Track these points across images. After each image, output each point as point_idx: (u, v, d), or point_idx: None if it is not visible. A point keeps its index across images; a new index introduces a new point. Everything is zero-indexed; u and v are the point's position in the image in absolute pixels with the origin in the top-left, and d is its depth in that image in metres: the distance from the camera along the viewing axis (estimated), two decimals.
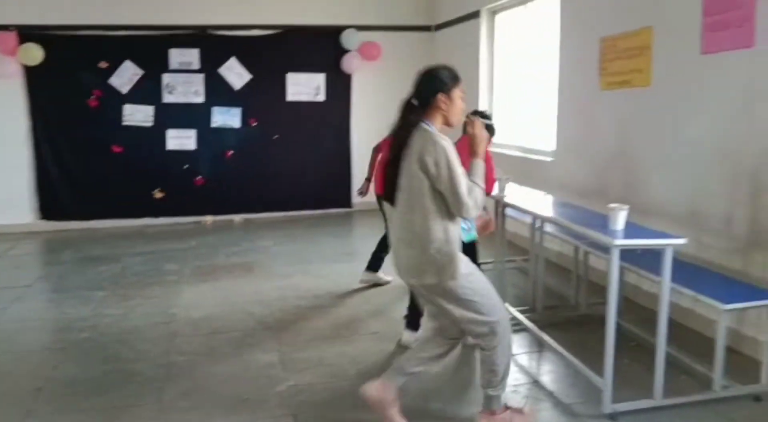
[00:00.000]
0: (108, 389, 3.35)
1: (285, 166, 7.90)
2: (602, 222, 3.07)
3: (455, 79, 2.57)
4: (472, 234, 3.55)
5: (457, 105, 2.57)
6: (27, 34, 7.07)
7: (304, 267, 5.68)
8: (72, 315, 4.52)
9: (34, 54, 7.00)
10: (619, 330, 3.02)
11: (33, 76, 7.19)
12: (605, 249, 3.15)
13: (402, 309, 3.96)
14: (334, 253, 6.22)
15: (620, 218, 2.94)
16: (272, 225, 7.58)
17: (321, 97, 7.96)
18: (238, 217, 7.89)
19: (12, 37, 6.98)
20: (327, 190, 8.14)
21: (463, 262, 2.57)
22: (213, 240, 6.90)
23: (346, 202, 8.22)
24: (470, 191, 2.44)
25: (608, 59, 4.73)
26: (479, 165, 2.57)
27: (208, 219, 7.81)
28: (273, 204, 7.99)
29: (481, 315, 2.57)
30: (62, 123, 7.35)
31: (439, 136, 2.47)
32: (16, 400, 3.26)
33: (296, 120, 7.88)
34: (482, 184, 2.52)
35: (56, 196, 7.44)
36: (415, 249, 2.53)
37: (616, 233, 2.90)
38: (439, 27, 8.05)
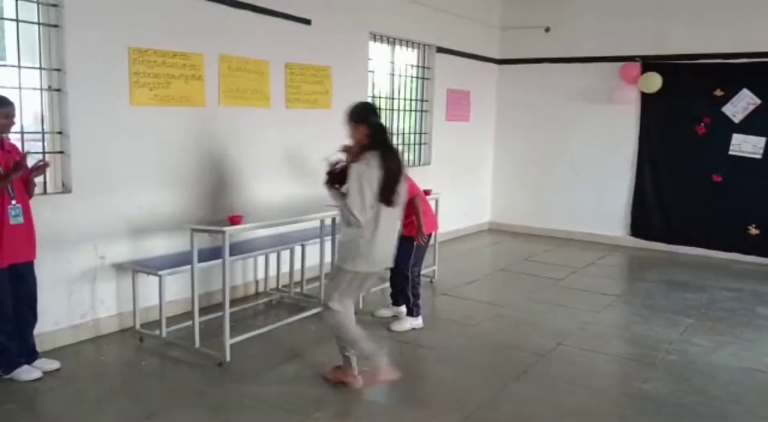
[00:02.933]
0: (697, 420, 3.31)
1: None
2: None
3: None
4: None
5: None
6: (649, 63, 7.56)
7: None
8: (659, 335, 4.65)
9: (654, 82, 7.44)
10: None
11: (648, 102, 7.67)
12: None
13: None
14: None
15: None
16: None
17: None
18: None
19: (636, 67, 7.59)
20: None
21: None
22: None
23: None
24: None
25: None
26: None
27: None
28: None
29: None
30: (666, 148, 7.61)
31: None
32: (610, 404, 3.56)
33: None
34: None
35: (648, 216, 7.80)
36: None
37: None
38: None
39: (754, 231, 7.10)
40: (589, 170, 8.15)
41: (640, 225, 7.87)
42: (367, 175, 3.24)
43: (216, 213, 4.72)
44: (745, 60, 7.09)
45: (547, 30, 8.22)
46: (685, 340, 4.54)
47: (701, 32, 7.30)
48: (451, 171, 7.84)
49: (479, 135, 8.54)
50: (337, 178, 3.41)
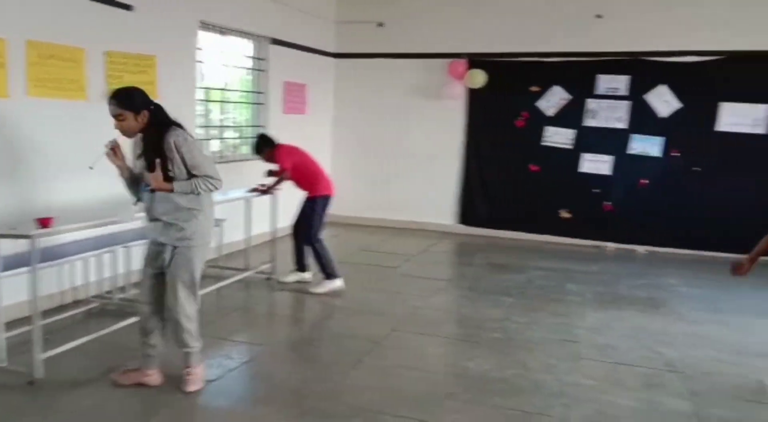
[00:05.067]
0: (517, 392, 3.59)
1: (703, 201, 7.28)
2: None
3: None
4: None
5: None
6: (474, 61, 8.06)
7: (719, 316, 5.15)
8: (484, 315, 4.99)
9: (478, 78, 7.94)
10: None
11: (473, 97, 8.16)
12: None
13: None
14: (756, 307, 5.49)
15: None
16: (678, 263, 7.08)
17: (761, 130, 7.08)
18: (641, 248, 7.60)
19: (463, 64, 8.05)
20: (752, 232, 7.20)
21: None
22: (615, 268, 6.80)
23: None
24: None
25: None
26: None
27: (610, 245, 7.72)
28: (682, 240, 7.46)
29: None
30: (490, 140, 8.17)
31: None
32: (440, 384, 3.75)
33: (725, 153, 7.19)
34: None
35: (474, 204, 8.34)
36: None
37: None
38: None
39: (565, 214, 7.88)
40: (422, 162, 8.52)
41: (467, 213, 8.39)
42: (192, 140, 3.26)
43: (26, 214, 4.27)
44: (556, 59, 7.79)
45: (380, 25, 8.44)
46: (506, 318, 4.92)
47: (520, 32, 7.91)
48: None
49: (317, 128, 8.56)
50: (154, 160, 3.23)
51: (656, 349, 4.33)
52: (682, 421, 3.30)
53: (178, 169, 3.22)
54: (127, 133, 3.23)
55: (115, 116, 3.17)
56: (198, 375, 3.49)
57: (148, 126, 3.22)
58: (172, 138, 3.17)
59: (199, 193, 3.25)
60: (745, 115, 7.15)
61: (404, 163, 8.64)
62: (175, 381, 3.52)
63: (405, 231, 8.39)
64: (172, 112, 3.39)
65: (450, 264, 7.22)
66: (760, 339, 4.64)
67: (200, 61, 6.27)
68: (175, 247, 3.29)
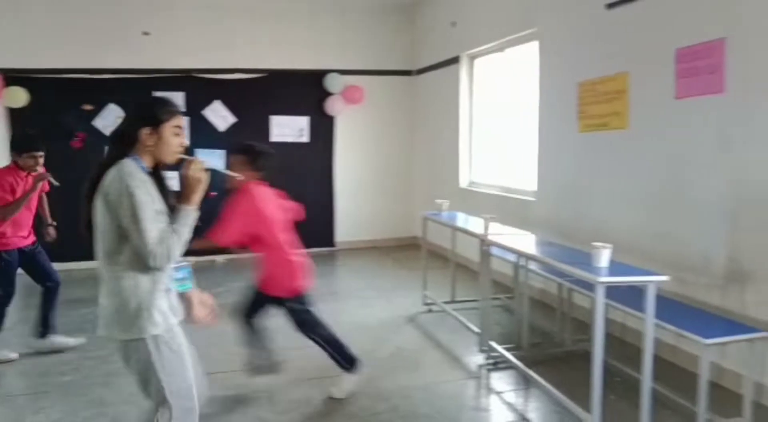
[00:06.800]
0: None
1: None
2: (585, 260, 3.17)
3: (167, 112, 2.28)
4: (187, 285, 2.78)
5: (167, 142, 2.29)
6: (12, 77, 7.12)
7: None
8: (54, 359, 4.46)
9: (19, 96, 7.04)
10: (605, 367, 3.08)
11: (17, 117, 7.20)
12: (589, 287, 3.25)
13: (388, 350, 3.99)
14: (318, 292, 6.23)
15: (604, 256, 3.04)
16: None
17: (305, 139, 8.10)
18: (220, 257, 7.88)
19: None
20: (310, 228, 8.17)
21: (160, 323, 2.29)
22: (196, 279, 6.85)
23: (328, 240, 8.28)
24: (162, 240, 2.16)
25: (586, 103, 4.92)
26: (186, 213, 2.30)
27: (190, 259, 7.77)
28: None
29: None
30: (46, 163, 7.31)
31: (131, 174, 2.19)
32: None
33: (280, 161, 7.94)
34: (184, 235, 2.26)
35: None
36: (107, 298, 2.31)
37: (601, 270, 2.99)
38: (421, 71, 8.28)
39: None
40: None
41: None
42: None
43: None
44: (108, 76, 7.45)
45: None
46: (80, 357, 4.48)
47: (65, 48, 7.31)
48: None
49: None
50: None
51: (237, 351, 4.51)
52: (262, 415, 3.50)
53: None
54: None
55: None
56: None
57: None
58: None
59: None
60: (291, 126, 8.07)
61: None
62: None
63: None
64: None
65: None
66: None
67: None
68: None
